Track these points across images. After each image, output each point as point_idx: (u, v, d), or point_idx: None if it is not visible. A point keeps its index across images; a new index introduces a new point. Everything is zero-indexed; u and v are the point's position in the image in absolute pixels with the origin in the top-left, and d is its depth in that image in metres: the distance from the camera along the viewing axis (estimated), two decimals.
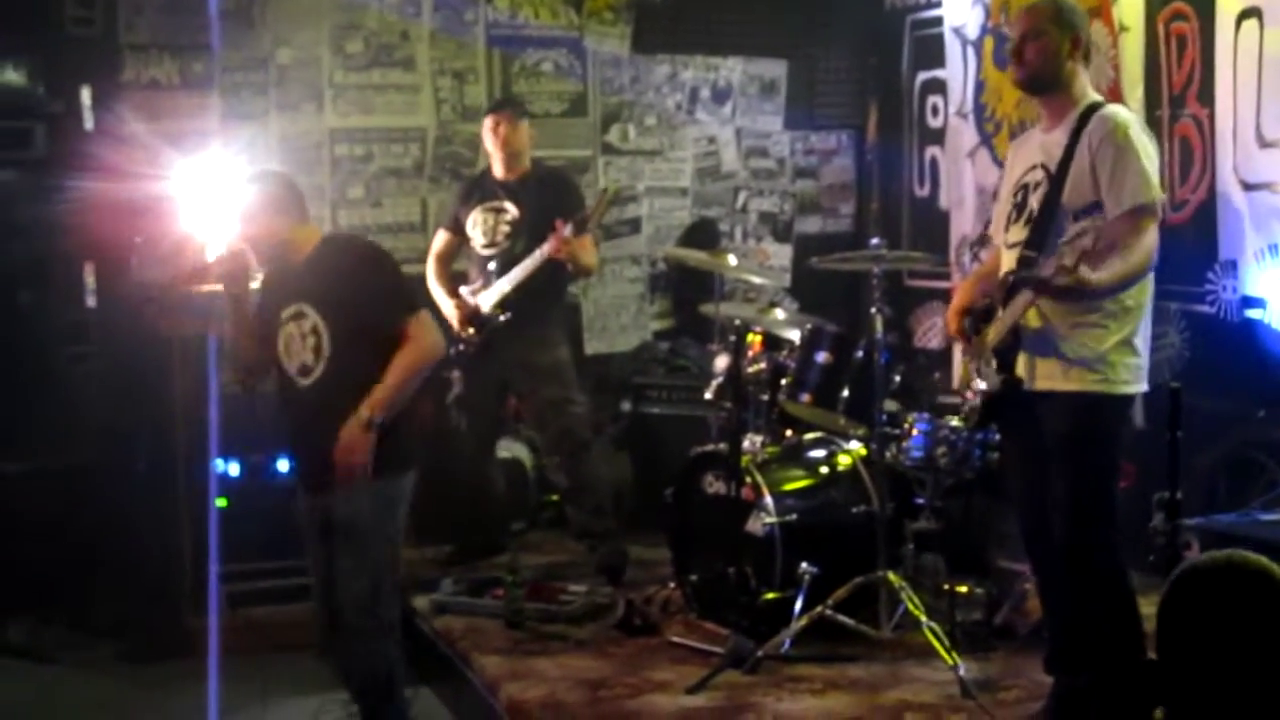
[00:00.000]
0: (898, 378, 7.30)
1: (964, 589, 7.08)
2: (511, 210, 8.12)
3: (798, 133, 10.66)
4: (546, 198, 8.03)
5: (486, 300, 7.95)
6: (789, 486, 7.34)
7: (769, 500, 7.13)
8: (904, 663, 6.81)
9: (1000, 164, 8.98)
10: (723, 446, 7.44)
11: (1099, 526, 5.63)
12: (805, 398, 7.46)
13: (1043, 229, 5.59)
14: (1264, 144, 7.37)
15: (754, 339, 7.76)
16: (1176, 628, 5.03)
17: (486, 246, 8.15)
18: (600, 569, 8.12)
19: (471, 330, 8.12)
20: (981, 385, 5.78)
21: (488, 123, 8.30)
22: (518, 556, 7.87)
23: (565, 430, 8.15)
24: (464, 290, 8.19)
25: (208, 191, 7.86)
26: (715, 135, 10.48)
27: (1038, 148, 5.77)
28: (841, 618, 7.00)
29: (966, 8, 9.35)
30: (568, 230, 7.84)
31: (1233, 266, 7.54)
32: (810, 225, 10.74)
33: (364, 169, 9.56)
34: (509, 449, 9.11)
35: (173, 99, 9.12)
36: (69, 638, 7.71)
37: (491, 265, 8.08)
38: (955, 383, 6.55)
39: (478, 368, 8.27)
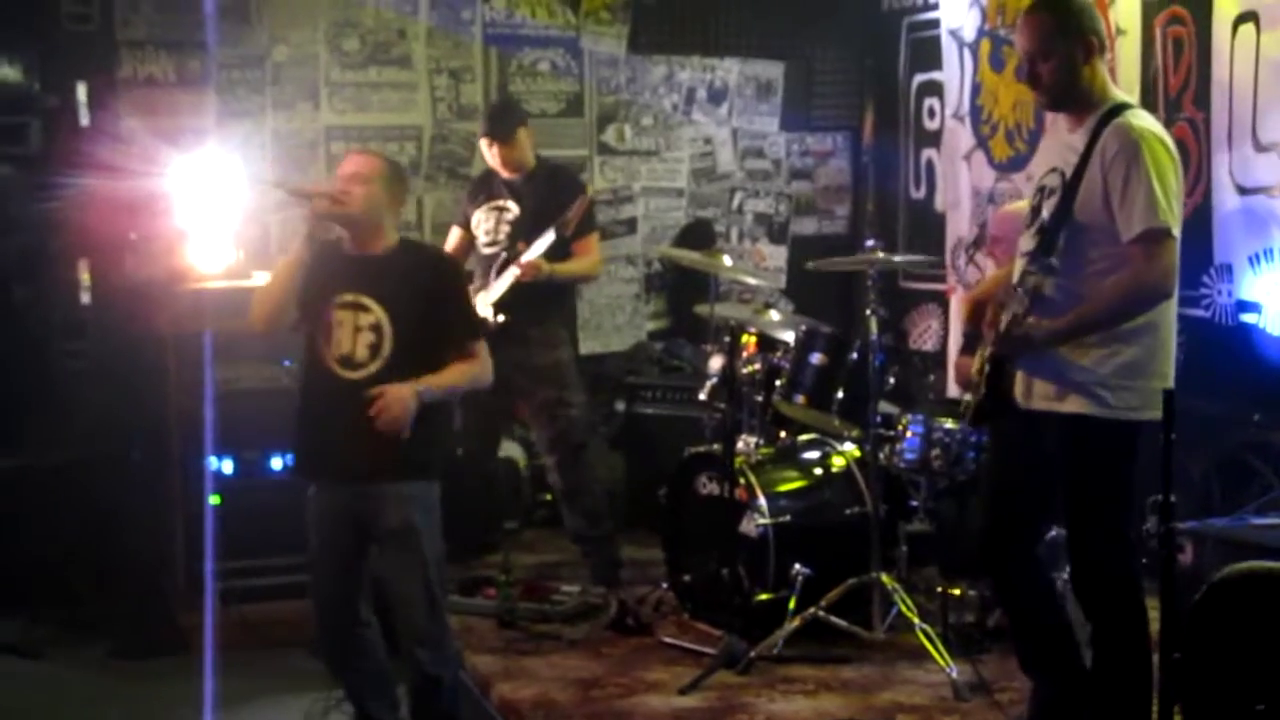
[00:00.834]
0: (892, 379, 7.28)
1: (957, 591, 7.08)
2: (513, 209, 8.09)
3: (794, 134, 10.67)
4: (545, 197, 7.98)
5: (484, 301, 7.94)
6: (783, 487, 7.35)
7: (763, 501, 7.14)
8: (897, 664, 6.81)
9: (996, 166, 9.03)
10: (717, 447, 7.44)
11: (1119, 555, 5.46)
12: (800, 399, 7.46)
13: (1051, 241, 5.31)
14: (1260, 148, 7.38)
15: (749, 340, 7.77)
16: (1206, 632, 5.06)
17: (488, 245, 8.13)
18: (593, 579, 8.08)
19: None
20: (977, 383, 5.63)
21: (482, 143, 8.24)
22: (510, 556, 7.87)
23: (560, 432, 8.12)
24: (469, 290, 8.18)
25: (203, 188, 7.85)
26: (711, 136, 10.48)
27: (1061, 148, 5.47)
28: (834, 619, 7.01)
29: (963, 10, 9.35)
30: (535, 250, 7.79)
31: (1228, 270, 7.54)
32: (806, 226, 10.74)
33: None
34: (503, 448, 9.10)
35: (169, 96, 9.12)
36: (61, 634, 7.70)
37: (493, 265, 8.06)
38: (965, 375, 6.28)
39: None
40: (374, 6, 9.61)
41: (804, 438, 7.72)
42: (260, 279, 7.74)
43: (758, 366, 7.67)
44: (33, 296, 8.48)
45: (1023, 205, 5.91)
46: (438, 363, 5.73)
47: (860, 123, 10.69)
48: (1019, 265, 5.50)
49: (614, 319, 10.21)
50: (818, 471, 7.52)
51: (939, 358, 9.52)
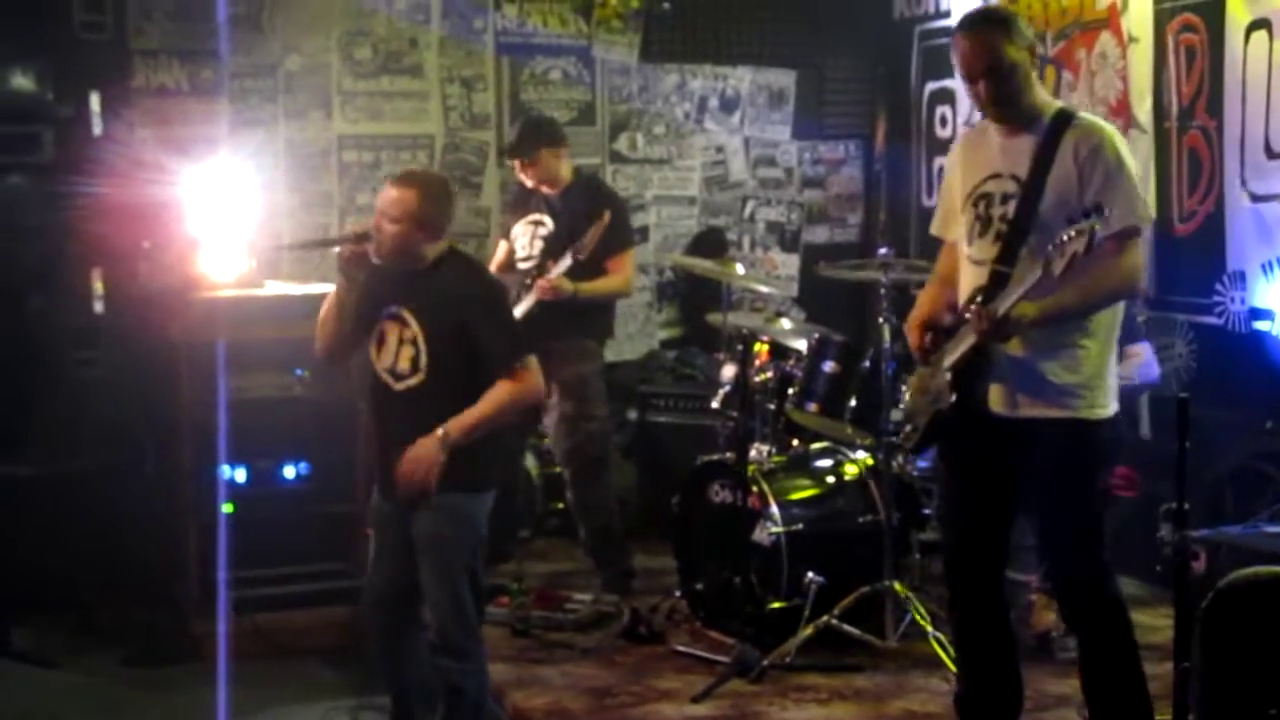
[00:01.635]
0: (904, 387, 7.28)
1: None
2: (548, 224, 8.06)
3: (806, 142, 10.67)
4: (578, 213, 7.92)
5: (516, 313, 7.92)
6: (795, 496, 7.35)
7: (775, 509, 7.14)
8: (909, 673, 6.82)
9: None
10: (729, 455, 7.45)
11: (1100, 555, 5.51)
12: (812, 407, 7.46)
13: (1015, 244, 5.32)
14: (1272, 155, 7.38)
15: (761, 348, 7.77)
16: (1216, 638, 5.06)
17: (523, 260, 8.10)
18: (607, 590, 8.06)
19: None
20: (927, 404, 5.59)
21: (516, 164, 8.24)
22: (523, 564, 7.88)
23: (575, 446, 8.09)
24: None
25: (216, 197, 7.86)
26: (723, 144, 10.48)
27: (998, 154, 5.46)
28: (847, 627, 7.01)
29: None
30: (555, 272, 7.78)
31: (1241, 278, 7.54)
32: (818, 235, 10.74)
33: (372, 176, 9.54)
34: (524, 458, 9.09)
35: (182, 105, 9.13)
36: (74, 642, 7.70)
37: (527, 279, 8.01)
38: (903, 403, 6.13)
39: None
40: (386, 15, 9.61)
41: (816, 446, 7.72)
42: (274, 288, 7.78)
43: (770, 375, 7.67)
44: (46, 305, 8.48)
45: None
46: (477, 377, 5.70)
47: (872, 131, 10.69)
48: (976, 272, 5.46)
49: (626, 328, 10.20)
50: (830, 480, 7.51)
51: None
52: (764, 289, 8.98)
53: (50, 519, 7.94)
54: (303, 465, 7.64)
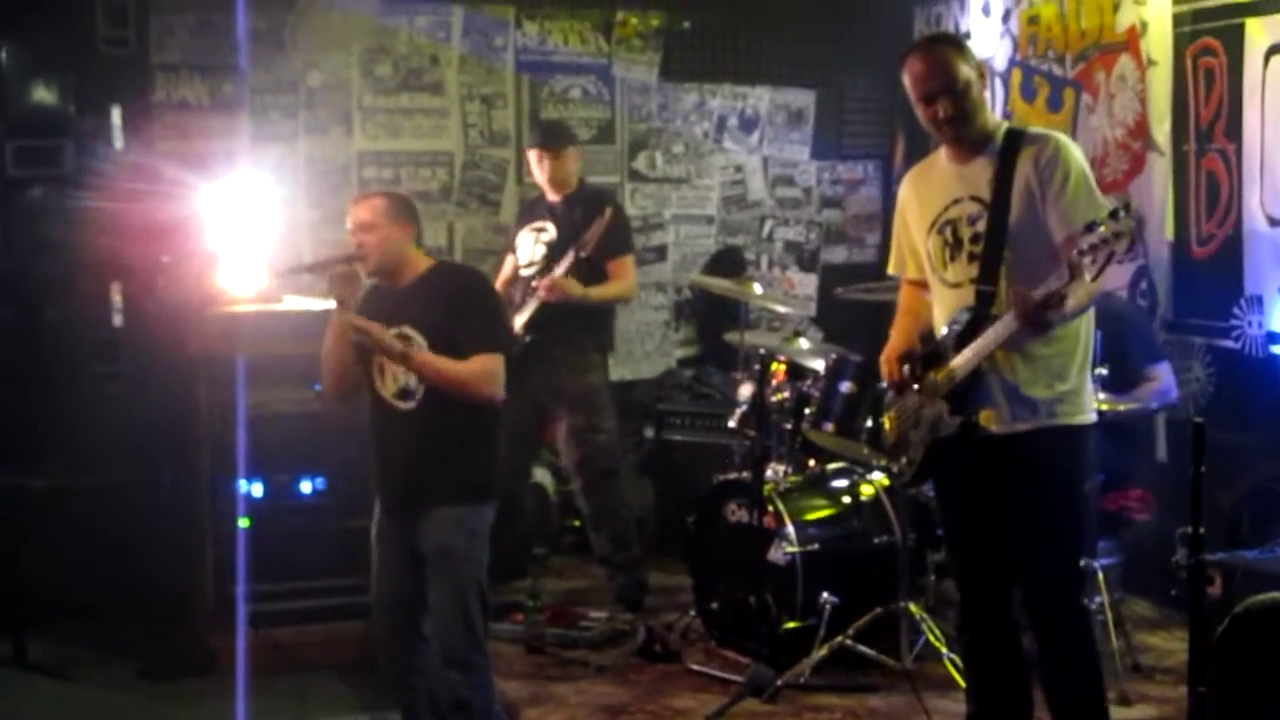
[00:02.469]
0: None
1: None
2: (551, 231, 8.11)
3: (824, 162, 10.69)
4: (580, 219, 7.99)
5: (516, 323, 7.94)
6: (811, 515, 7.36)
7: (791, 529, 7.14)
8: (924, 694, 6.79)
9: None
10: (746, 474, 7.45)
11: (1076, 563, 5.57)
12: (829, 427, 7.46)
13: (993, 261, 5.35)
14: None
15: (778, 367, 7.77)
16: (1232, 664, 5.06)
17: (526, 266, 8.16)
18: (617, 600, 8.10)
19: None
20: (921, 434, 5.58)
21: (532, 156, 8.25)
22: (539, 581, 7.88)
23: (587, 457, 8.12)
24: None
25: (235, 212, 7.88)
26: (742, 164, 10.50)
27: (955, 180, 5.51)
28: (862, 648, 7.01)
29: (995, 40, 9.37)
30: (559, 271, 7.81)
31: (1258, 302, 7.53)
32: (836, 255, 10.76)
33: None
34: (532, 473, 9.09)
35: (202, 119, 9.18)
36: (90, 655, 7.72)
37: (530, 285, 8.05)
38: (885, 441, 6.01)
39: (513, 389, 8.24)
40: (407, 33, 9.65)
41: (833, 466, 7.73)
42: (293, 303, 7.79)
43: (787, 394, 7.68)
44: (65, 318, 8.50)
45: None
46: None
47: (891, 151, 10.71)
48: (951, 295, 5.49)
49: (644, 346, 10.22)
50: (846, 500, 7.52)
51: None
52: (781, 308, 8.99)
53: (67, 532, 7.96)
54: (319, 480, 7.65)
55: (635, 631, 7.61)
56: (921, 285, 5.80)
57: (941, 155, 5.60)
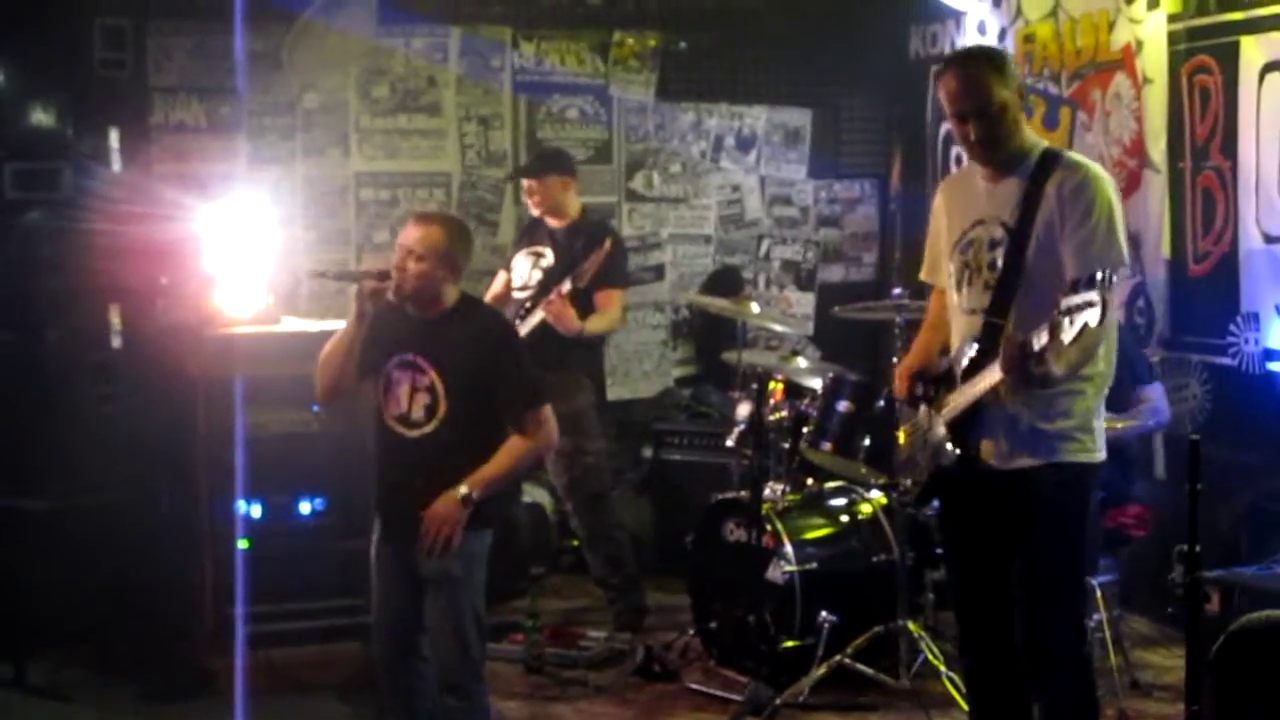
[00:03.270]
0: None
1: None
2: (549, 256, 8.12)
3: (821, 181, 10.70)
4: (580, 247, 7.98)
5: None
6: (809, 534, 7.36)
7: (789, 548, 7.15)
8: (923, 712, 6.80)
9: None
10: (744, 493, 7.46)
11: (1079, 610, 5.43)
12: (826, 446, 7.47)
13: (1007, 293, 5.18)
14: None
15: (776, 387, 7.78)
16: (1229, 680, 5.06)
17: (520, 290, 8.17)
18: (617, 627, 8.07)
19: None
20: (927, 457, 5.48)
21: (525, 186, 8.32)
22: (537, 601, 7.88)
23: (575, 480, 8.11)
24: None
25: (233, 233, 7.89)
26: (739, 183, 10.51)
27: (983, 199, 5.32)
28: (860, 666, 7.01)
29: None
30: (564, 288, 7.81)
31: (1255, 319, 7.54)
32: (833, 274, 10.76)
33: (389, 213, 9.59)
34: (530, 493, 9.11)
35: (200, 141, 9.20)
36: (90, 677, 7.71)
37: (522, 309, 8.06)
38: (897, 458, 5.91)
39: None
40: (404, 54, 9.66)
41: (831, 485, 7.73)
42: (291, 324, 7.80)
43: (785, 413, 7.69)
44: (63, 340, 8.49)
45: None
46: (494, 426, 5.74)
47: (888, 170, 10.73)
48: (966, 322, 5.34)
49: (641, 365, 10.23)
50: (844, 519, 7.52)
51: None
52: (779, 327, 9.00)
53: (66, 553, 7.95)
54: (318, 501, 7.64)
55: (634, 651, 7.61)
56: None
57: (977, 168, 5.40)
